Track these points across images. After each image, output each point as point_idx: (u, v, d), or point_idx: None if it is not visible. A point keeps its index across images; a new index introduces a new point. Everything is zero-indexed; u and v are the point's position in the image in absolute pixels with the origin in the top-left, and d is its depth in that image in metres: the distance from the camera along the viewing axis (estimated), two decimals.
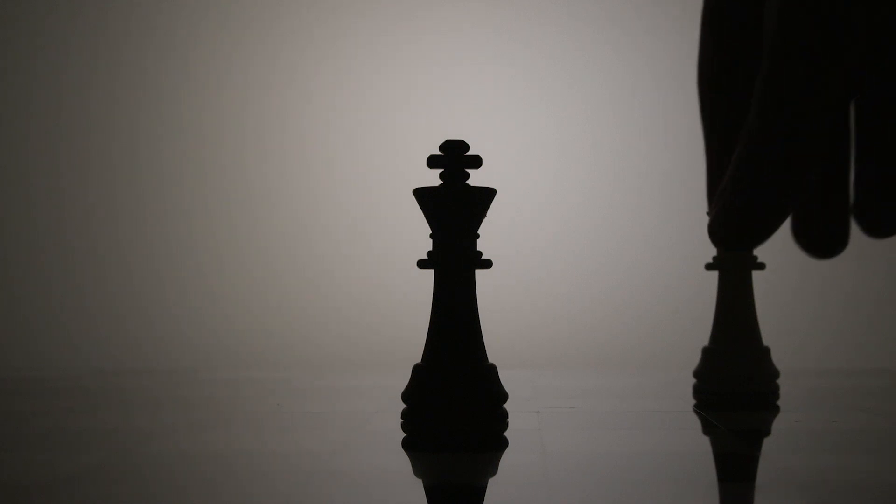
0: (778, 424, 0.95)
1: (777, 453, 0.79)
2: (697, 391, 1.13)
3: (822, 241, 0.68)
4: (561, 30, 1.56)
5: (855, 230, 0.58)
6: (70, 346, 1.56)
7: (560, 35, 1.55)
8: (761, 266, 1.13)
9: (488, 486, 0.70)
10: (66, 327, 1.59)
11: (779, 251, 1.53)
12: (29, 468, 0.76)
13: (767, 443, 0.84)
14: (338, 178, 1.56)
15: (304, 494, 0.68)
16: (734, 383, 1.10)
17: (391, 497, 0.67)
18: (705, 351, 1.13)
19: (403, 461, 0.79)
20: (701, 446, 0.83)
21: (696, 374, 1.14)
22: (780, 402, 1.10)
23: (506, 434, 0.86)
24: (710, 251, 1.51)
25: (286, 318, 1.57)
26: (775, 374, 1.12)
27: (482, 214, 0.90)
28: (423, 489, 0.70)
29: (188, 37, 1.58)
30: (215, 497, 0.68)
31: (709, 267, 1.14)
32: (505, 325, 1.51)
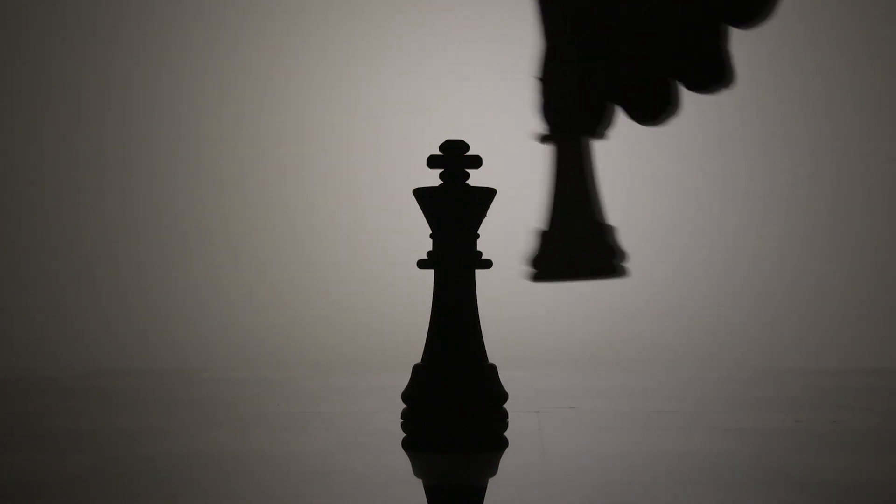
0: (778, 424, 0.95)
1: (777, 453, 0.80)
2: (536, 278, 1.05)
3: (647, 105, 0.73)
4: None
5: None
6: (81, 346, 1.56)
7: None
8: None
9: (488, 486, 0.70)
10: (75, 327, 1.59)
11: (775, 251, 1.53)
12: (29, 468, 0.76)
13: (767, 443, 0.84)
14: (340, 177, 1.57)
15: (304, 495, 0.68)
16: (569, 267, 1.03)
17: (391, 497, 0.67)
18: (537, 234, 1.05)
19: (403, 461, 0.79)
20: (701, 446, 0.83)
21: (529, 259, 1.05)
22: (779, 403, 1.10)
23: (506, 434, 0.86)
24: (714, 251, 1.52)
25: (287, 317, 1.57)
26: (621, 254, 1.03)
27: (482, 215, 0.91)
28: (423, 489, 0.70)
29: (207, 36, 1.59)
30: (214, 497, 0.68)
31: (543, 140, 1.04)
32: (505, 325, 1.51)
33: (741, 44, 1.59)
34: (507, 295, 1.52)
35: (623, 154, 1.53)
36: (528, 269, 1.02)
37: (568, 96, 0.97)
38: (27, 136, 1.59)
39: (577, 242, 0.99)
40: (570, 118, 0.98)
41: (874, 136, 1.52)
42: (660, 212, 1.53)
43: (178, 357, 1.57)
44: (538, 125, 0.96)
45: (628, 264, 1.01)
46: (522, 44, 1.59)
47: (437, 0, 1.57)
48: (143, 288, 1.58)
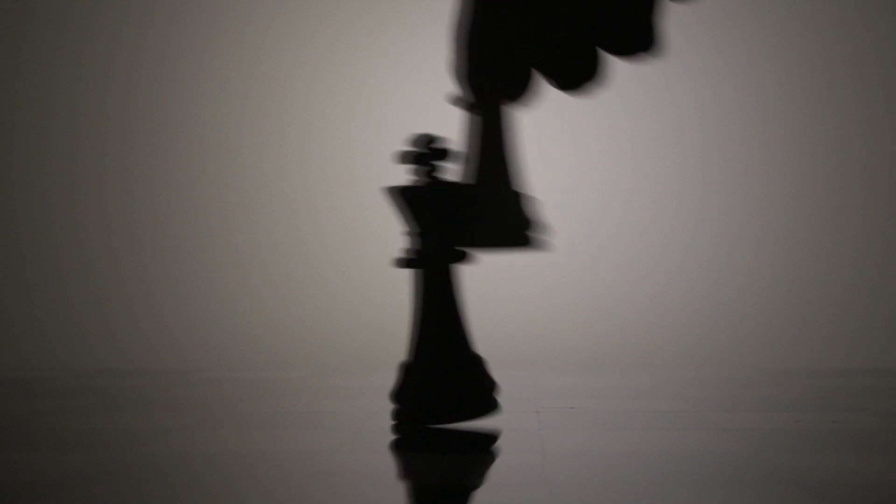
0: (778, 424, 0.95)
1: (777, 453, 0.80)
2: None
3: (571, 72, 0.74)
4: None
5: None
6: (81, 346, 1.56)
7: None
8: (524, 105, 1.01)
9: (488, 486, 0.70)
10: (76, 327, 1.59)
11: (772, 250, 1.53)
12: (29, 468, 0.76)
13: (767, 443, 0.84)
14: (342, 176, 1.57)
15: (305, 494, 0.68)
16: (486, 236, 0.98)
17: (390, 497, 0.67)
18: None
19: (403, 461, 0.79)
20: (700, 446, 0.83)
21: None
22: (779, 402, 1.10)
23: (506, 434, 0.86)
24: (714, 251, 1.51)
25: (288, 317, 1.57)
26: (538, 226, 0.99)
27: (454, 209, 0.90)
28: (422, 489, 0.70)
29: (210, 34, 1.59)
30: (215, 497, 0.68)
31: (462, 105, 0.99)
32: (506, 325, 1.51)
33: (742, 43, 1.59)
34: (507, 295, 1.52)
35: (623, 153, 1.53)
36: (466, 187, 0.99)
37: (490, 62, 0.95)
38: (27, 135, 1.59)
39: (495, 212, 0.97)
40: (492, 84, 0.95)
41: (877, 134, 1.52)
42: (660, 211, 1.53)
43: (179, 357, 1.57)
44: (458, 90, 0.95)
45: (547, 237, 0.99)
46: None
47: None
48: (144, 288, 1.58)
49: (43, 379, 1.36)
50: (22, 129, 1.60)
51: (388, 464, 0.78)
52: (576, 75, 0.86)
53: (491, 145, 0.97)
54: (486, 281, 1.52)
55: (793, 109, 1.52)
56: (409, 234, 0.91)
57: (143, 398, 1.17)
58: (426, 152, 0.90)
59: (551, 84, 0.89)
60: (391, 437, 0.88)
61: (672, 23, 1.55)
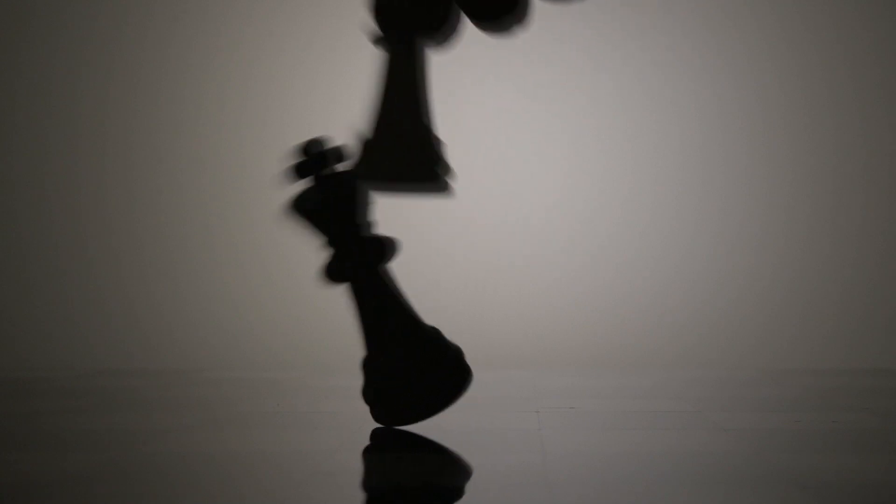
0: (778, 424, 0.95)
1: (777, 453, 0.80)
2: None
3: (489, 6, 0.74)
4: (576, 31, 1.56)
5: None
6: (82, 346, 1.56)
7: (570, 33, 1.55)
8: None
9: (488, 486, 0.70)
10: (76, 327, 1.59)
11: (772, 250, 1.53)
12: (29, 468, 0.76)
13: (767, 443, 0.84)
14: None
15: (306, 494, 0.68)
16: (391, 174, 0.96)
17: (388, 497, 0.67)
18: (361, 139, 0.96)
19: (404, 461, 0.79)
20: (700, 446, 0.83)
21: (352, 164, 0.96)
22: (779, 402, 1.10)
23: (506, 434, 0.86)
24: (714, 251, 1.51)
25: (289, 317, 1.57)
26: (445, 166, 0.96)
27: (355, 203, 0.88)
28: (422, 490, 0.70)
29: (210, 34, 1.59)
30: (215, 497, 0.68)
31: (376, 42, 0.94)
32: (506, 325, 1.51)
33: (742, 43, 1.59)
34: (507, 295, 1.52)
35: (623, 153, 1.53)
36: (351, 174, 0.97)
37: None
38: (27, 135, 1.59)
39: (402, 150, 0.95)
40: (407, 20, 0.93)
41: (877, 134, 1.52)
42: (660, 211, 1.53)
43: (179, 357, 1.57)
44: (372, 25, 0.93)
45: (451, 179, 0.98)
46: (528, 43, 1.59)
47: None
48: (144, 288, 1.58)
49: (43, 379, 1.36)
50: (22, 129, 1.60)
51: (390, 463, 0.78)
52: (493, 9, 0.84)
53: (400, 82, 0.94)
54: (487, 281, 1.52)
55: (793, 109, 1.52)
56: (325, 244, 0.90)
57: (143, 398, 1.17)
58: (317, 159, 0.88)
59: (470, 20, 0.86)
60: (393, 437, 0.88)
61: (672, 23, 1.55)
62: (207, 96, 1.59)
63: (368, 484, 0.71)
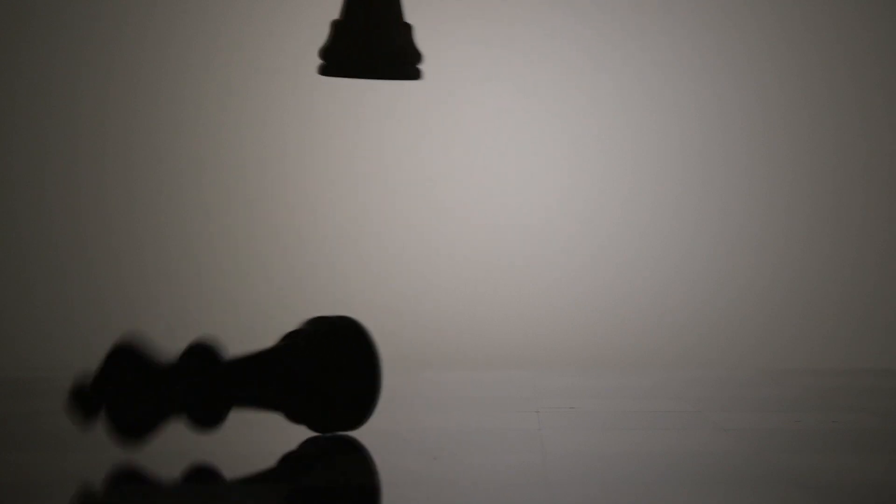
0: (778, 424, 0.95)
1: (777, 453, 0.80)
2: (325, 71, 0.95)
3: None
4: (578, 28, 1.56)
5: None
6: (82, 346, 1.56)
7: (572, 32, 1.55)
8: None
9: (488, 486, 0.70)
10: (77, 327, 1.59)
11: (772, 250, 1.53)
12: (29, 468, 0.76)
13: (767, 443, 0.84)
14: (343, 177, 1.57)
15: (303, 495, 0.68)
16: (362, 61, 0.93)
17: (392, 496, 0.67)
18: (333, 25, 0.95)
19: (404, 461, 0.79)
20: (700, 446, 0.83)
21: (321, 51, 0.94)
22: (779, 402, 1.10)
23: (506, 434, 0.86)
24: (712, 250, 1.51)
25: (291, 317, 1.57)
26: (415, 54, 0.95)
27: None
28: (421, 490, 0.70)
29: (210, 34, 1.59)
30: (215, 497, 0.68)
31: None
32: (506, 325, 1.51)
33: (742, 43, 1.59)
34: (507, 295, 1.52)
35: (623, 153, 1.53)
36: (320, 62, 0.94)
37: None
38: (27, 135, 1.59)
39: (373, 37, 0.93)
40: None
41: (877, 134, 1.52)
42: (660, 211, 1.53)
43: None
44: None
45: (421, 66, 0.96)
46: (529, 43, 1.59)
47: None
48: (144, 288, 1.58)
49: (43, 379, 1.36)
50: (22, 129, 1.60)
51: (390, 464, 0.78)
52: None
53: None
54: (487, 281, 1.52)
55: (793, 109, 1.52)
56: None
57: None
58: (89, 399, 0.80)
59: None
60: (393, 437, 0.88)
61: (672, 23, 1.55)
62: (207, 96, 1.59)
63: (369, 483, 0.71)
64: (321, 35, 1.61)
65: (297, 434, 0.90)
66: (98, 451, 0.82)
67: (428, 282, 1.50)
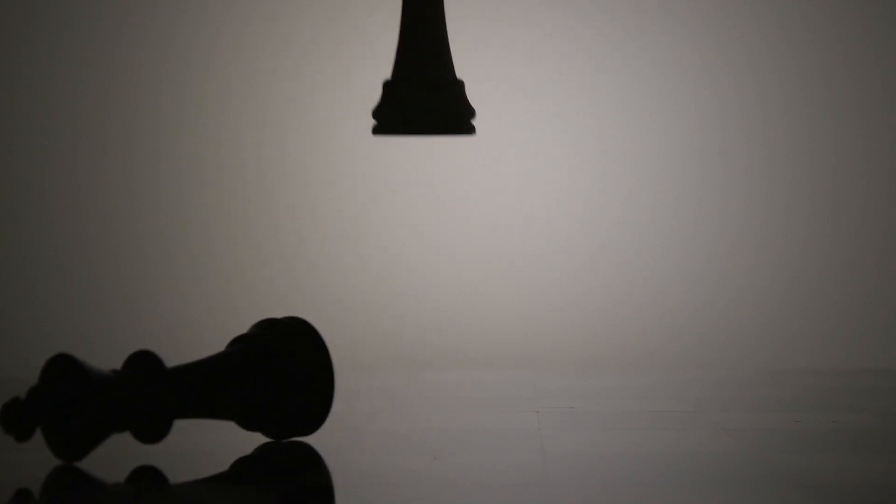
0: (778, 424, 0.95)
1: (777, 453, 0.80)
2: (377, 130, 0.96)
3: None
4: (577, 27, 1.56)
5: None
6: (82, 346, 1.56)
7: (571, 32, 1.55)
8: None
9: (488, 486, 0.70)
10: (79, 327, 1.58)
11: (772, 250, 1.53)
12: (30, 468, 0.76)
13: (767, 443, 0.84)
14: (343, 177, 1.56)
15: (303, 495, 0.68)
16: (414, 120, 0.94)
17: (393, 496, 0.67)
18: (385, 85, 0.96)
19: (404, 461, 0.79)
20: (700, 446, 0.83)
21: (374, 111, 0.96)
22: (779, 402, 1.10)
23: (506, 434, 0.86)
24: (712, 250, 1.51)
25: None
26: (469, 110, 0.96)
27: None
28: (421, 490, 0.70)
29: (210, 34, 1.58)
30: (215, 497, 0.68)
31: None
32: (506, 325, 1.51)
33: (742, 43, 1.59)
34: (507, 295, 1.52)
35: (623, 153, 1.53)
36: (373, 122, 0.95)
37: None
38: (27, 135, 1.59)
39: (425, 96, 0.94)
40: None
41: (877, 134, 1.52)
42: (660, 211, 1.53)
43: (178, 357, 1.57)
44: None
45: (475, 122, 0.97)
46: (530, 43, 1.59)
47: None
48: (144, 288, 1.58)
49: None
50: (22, 129, 1.60)
51: (390, 463, 0.78)
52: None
53: (419, 32, 0.94)
54: (487, 281, 1.52)
55: (793, 109, 1.52)
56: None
57: None
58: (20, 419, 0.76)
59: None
60: (393, 437, 0.88)
61: (672, 23, 1.55)
62: (207, 96, 1.59)
63: (369, 483, 0.71)
64: (321, 35, 1.61)
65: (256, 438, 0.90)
66: (98, 451, 0.81)
67: (428, 282, 1.49)
